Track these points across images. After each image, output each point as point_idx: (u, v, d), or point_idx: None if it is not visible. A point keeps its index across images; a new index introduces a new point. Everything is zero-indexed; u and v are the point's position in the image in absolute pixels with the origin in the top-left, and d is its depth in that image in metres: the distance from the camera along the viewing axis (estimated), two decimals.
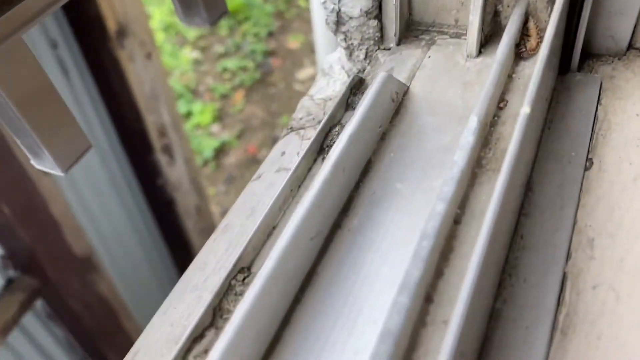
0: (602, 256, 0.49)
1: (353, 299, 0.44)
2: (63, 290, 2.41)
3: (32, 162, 0.85)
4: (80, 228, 2.36)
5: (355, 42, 0.72)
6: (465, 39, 0.66)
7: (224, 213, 4.73)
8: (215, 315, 0.47)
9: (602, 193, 0.53)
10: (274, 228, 0.54)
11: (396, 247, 0.47)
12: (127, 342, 2.77)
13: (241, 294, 0.48)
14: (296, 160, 0.74)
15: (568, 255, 0.49)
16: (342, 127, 0.62)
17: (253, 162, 5.14)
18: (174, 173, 2.95)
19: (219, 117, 5.41)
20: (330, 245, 0.48)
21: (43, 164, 0.84)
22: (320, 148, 0.61)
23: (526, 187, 0.53)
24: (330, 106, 0.80)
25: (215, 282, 0.61)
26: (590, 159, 0.56)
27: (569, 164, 0.55)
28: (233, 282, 0.49)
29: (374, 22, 0.69)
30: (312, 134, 0.78)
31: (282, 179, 0.72)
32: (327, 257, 0.47)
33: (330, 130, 0.62)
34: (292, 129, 0.80)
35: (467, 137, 0.47)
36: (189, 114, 5.41)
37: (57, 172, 0.84)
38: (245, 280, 0.49)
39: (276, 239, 0.54)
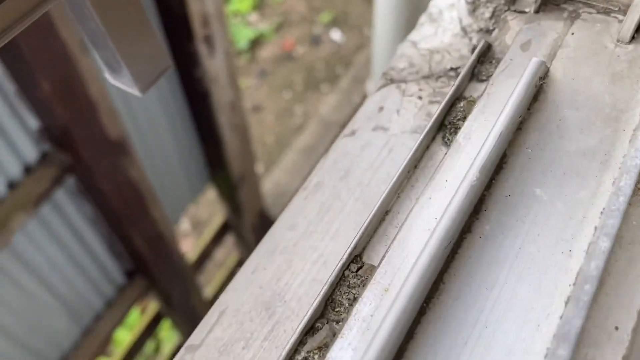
0: None
1: (485, 319, 0.41)
2: (94, 170, 2.43)
3: (108, 76, 0.80)
4: (115, 111, 2.34)
5: None
6: (615, 17, 0.58)
7: (254, 109, 4.67)
8: (327, 306, 0.45)
9: None
10: (386, 213, 0.50)
11: (534, 265, 0.43)
12: (152, 227, 2.84)
13: (354, 286, 0.45)
14: (396, 119, 0.69)
15: None
16: (468, 102, 0.56)
17: (288, 59, 5.01)
18: (213, 65, 2.87)
19: (258, 6, 5.19)
20: (459, 252, 0.45)
21: (120, 81, 0.79)
22: (441, 124, 0.56)
23: None
24: (439, 61, 0.73)
25: (307, 249, 0.59)
26: None
27: None
28: (346, 272, 0.46)
29: None
30: (414, 89, 0.72)
31: (380, 140, 0.68)
32: (456, 266, 0.44)
33: (453, 103, 0.57)
34: (391, 81, 0.73)
35: (636, 158, 0.42)
36: (227, 0, 5.21)
37: (134, 91, 0.79)
38: (359, 272, 0.46)
39: (388, 225, 0.50)
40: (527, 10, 0.62)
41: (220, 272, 4.19)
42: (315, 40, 5.15)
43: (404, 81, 0.72)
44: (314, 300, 0.44)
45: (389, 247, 0.44)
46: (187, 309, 3.49)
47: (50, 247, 2.50)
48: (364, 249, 0.48)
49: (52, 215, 2.45)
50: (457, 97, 0.57)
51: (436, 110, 0.54)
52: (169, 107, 2.87)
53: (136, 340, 3.28)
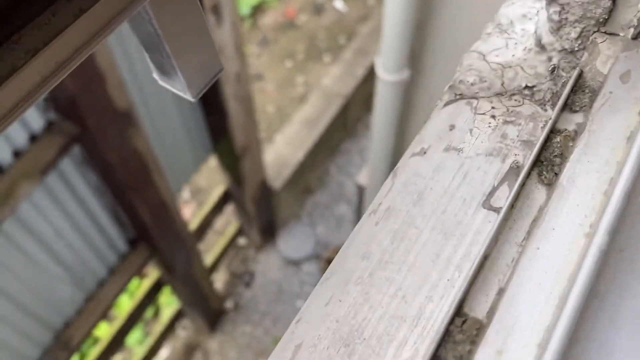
0: None
1: None
2: (100, 140, 2.39)
3: (157, 77, 0.77)
4: (123, 82, 2.29)
5: (572, 18, 0.60)
6: None
7: (255, 77, 4.59)
8: None
9: None
10: (485, 258, 0.48)
11: None
12: (155, 197, 2.81)
13: (460, 342, 0.43)
14: (469, 139, 0.66)
15: None
16: (564, 136, 0.53)
17: (290, 27, 4.90)
18: (220, 36, 2.80)
19: None
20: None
21: (171, 85, 0.76)
22: (537, 159, 0.53)
23: None
24: (512, 77, 0.70)
25: (383, 281, 0.56)
26: None
27: None
28: (451, 327, 0.44)
29: (607, 2, 0.57)
30: (486, 107, 0.69)
31: (453, 162, 0.65)
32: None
33: (548, 137, 0.54)
34: (461, 96, 0.70)
35: None
36: None
37: (186, 96, 0.76)
38: (464, 326, 0.44)
39: (489, 273, 0.48)
40: (620, 33, 0.59)
41: (220, 240, 4.19)
42: (317, 9, 5.04)
43: (475, 98, 0.69)
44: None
45: (498, 303, 0.43)
46: (187, 275, 3.50)
47: (56, 216, 2.47)
48: (465, 298, 0.46)
49: (58, 184, 2.42)
50: (553, 131, 0.54)
51: (533, 146, 0.51)
52: None
53: (137, 305, 3.30)
